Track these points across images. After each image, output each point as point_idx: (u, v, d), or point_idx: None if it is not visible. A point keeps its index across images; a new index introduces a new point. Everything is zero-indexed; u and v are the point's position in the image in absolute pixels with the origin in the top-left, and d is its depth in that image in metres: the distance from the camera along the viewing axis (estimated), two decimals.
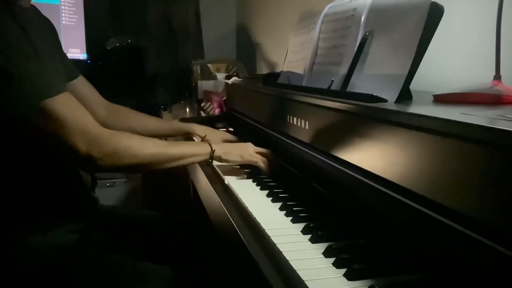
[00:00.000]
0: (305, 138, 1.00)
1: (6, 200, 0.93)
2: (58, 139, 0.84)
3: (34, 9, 1.04)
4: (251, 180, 1.04)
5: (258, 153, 1.09)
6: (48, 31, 1.07)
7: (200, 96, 2.40)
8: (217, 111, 2.09)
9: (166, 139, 1.39)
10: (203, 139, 1.21)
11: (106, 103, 1.31)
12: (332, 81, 1.01)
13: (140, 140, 0.95)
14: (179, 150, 0.99)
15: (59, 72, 1.01)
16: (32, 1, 1.00)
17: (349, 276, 0.58)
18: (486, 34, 0.81)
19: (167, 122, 1.61)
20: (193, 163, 1.05)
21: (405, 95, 0.80)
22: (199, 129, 1.37)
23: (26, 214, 0.94)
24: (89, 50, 2.51)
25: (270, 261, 0.63)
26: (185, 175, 1.81)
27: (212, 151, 1.03)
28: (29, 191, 0.94)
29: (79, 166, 0.94)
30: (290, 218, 0.79)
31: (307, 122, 0.99)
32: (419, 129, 0.61)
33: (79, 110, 0.88)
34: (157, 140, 1.00)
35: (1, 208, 0.92)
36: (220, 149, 1.05)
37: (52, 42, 1.07)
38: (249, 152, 1.08)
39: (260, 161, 1.07)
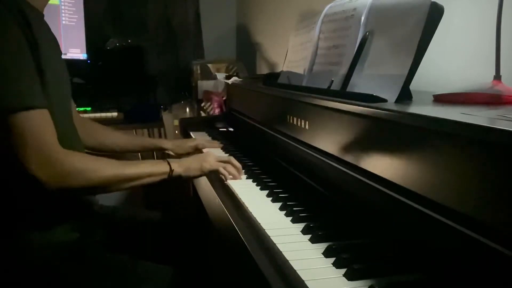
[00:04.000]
0: (305, 138, 1.00)
1: (8, 197, 0.93)
2: (12, 152, 0.82)
3: (46, 24, 1.03)
4: (251, 180, 1.04)
5: (219, 161, 1.07)
6: (56, 46, 1.06)
7: (200, 96, 2.40)
8: (217, 111, 2.09)
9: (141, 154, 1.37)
10: (163, 155, 1.18)
11: (81, 118, 1.29)
12: (332, 81, 1.01)
13: (94, 162, 0.92)
14: (136, 171, 0.97)
15: (61, 86, 1.00)
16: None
17: (349, 276, 0.58)
18: (486, 34, 0.81)
19: (138, 138, 1.61)
20: (151, 183, 1.01)
21: (405, 95, 0.80)
22: (168, 144, 1.36)
23: (28, 211, 0.94)
24: (89, 50, 2.50)
25: (270, 261, 0.63)
26: None
27: (171, 170, 1.01)
28: (30, 189, 0.94)
29: (26, 185, 0.89)
30: (290, 218, 0.79)
31: (307, 122, 0.99)
32: (419, 129, 0.61)
33: (46, 130, 0.86)
34: (113, 161, 0.96)
35: (3, 205, 0.92)
36: (179, 168, 1.03)
37: (59, 57, 1.07)
38: (209, 162, 1.06)
39: (221, 168, 1.05)
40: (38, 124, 0.85)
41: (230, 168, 1.06)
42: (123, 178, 0.94)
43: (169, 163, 1.02)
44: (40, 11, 0.99)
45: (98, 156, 0.96)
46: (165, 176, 1.01)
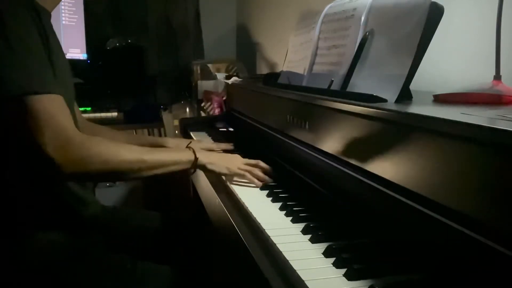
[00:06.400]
0: (305, 138, 1.00)
1: (8, 197, 0.93)
2: (28, 136, 0.81)
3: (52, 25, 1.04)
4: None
5: (246, 164, 1.04)
6: (60, 47, 1.07)
7: (200, 96, 2.40)
8: (217, 111, 2.09)
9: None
10: (187, 146, 1.15)
11: (83, 119, 1.28)
12: (332, 81, 1.01)
13: (114, 146, 0.90)
14: (157, 157, 0.93)
15: (67, 85, 1.00)
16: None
17: (349, 276, 0.58)
18: (486, 34, 0.81)
19: (140, 137, 1.59)
20: (174, 171, 0.97)
21: (405, 95, 0.80)
22: (173, 143, 1.32)
23: (28, 211, 0.94)
24: (89, 50, 2.51)
25: (270, 261, 0.63)
26: (185, 175, 1.81)
27: (196, 159, 0.98)
28: (30, 189, 0.94)
29: (41, 170, 0.86)
30: (290, 218, 0.79)
31: (307, 122, 0.99)
32: (419, 129, 0.62)
33: (62, 114, 0.85)
34: (135, 147, 0.93)
35: (4, 204, 0.92)
36: (206, 158, 1.00)
37: (64, 57, 1.07)
38: (237, 164, 1.03)
39: (249, 174, 1.01)
40: (54, 107, 0.84)
41: (257, 171, 1.02)
42: (146, 165, 0.91)
43: (194, 152, 0.99)
44: (49, 11, 0.99)
45: (119, 143, 0.94)
46: (189, 165, 0.98)
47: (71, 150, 0.83)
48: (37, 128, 0.81)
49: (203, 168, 1.01)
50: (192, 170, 1.01)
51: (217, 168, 1.02)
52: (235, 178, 1.03)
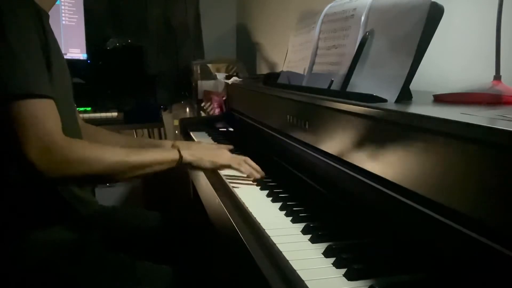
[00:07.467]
0: (305, 138, 1.00)
1: (8, 196, 0.93)
2: (14, 139, 0.81)
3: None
4: (251, 180, 1.04)
5: (233, 159, 1.05)
6: (59, 47, 1.07)
7: (200, 96, 2.40)
8: (217, 111, 2.09)
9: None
10: (172, 146, 1.15)
11: (82, 122, 1.27)
12: (332, 81, 1.01)
13: (98, 149, 0.90)
14: (141, 158, 0.93)
15: (66, 85, 1.00)
16: None
17: (349, 276, 0.58)
18: (486, 34, 0.81)
19: (138, 139, 1.58)
20: (159, 171, 0.97)
21: (405, 95, 0.80)
22: (171, 145, 1.31)
23: (27, 210, 0.94)
24: (89, 50, 2.50)
25: (270, 261, 0.63)
26: (185, 175, 1.81)
27: (180, 157, 0.98)
28: (29, 188, 0.94)
29: (24, 172, 0.86)
30: (290, 218, 0.79)
31: (307, 122, 0.99)
32: (419, 129, 0.62)
33: (50, 119, 0.84)
34: (118, 149, 0.93)
35: (2, 203, 0.92)
36: (191, 156, 1.00)
37: (63, 58, 1.07)
38: (223, 157, 1.04)
39: (234, 164, 1.03)
40: (41, 111, 0.83)
41: (244, 165, 1.03)
42: (129, 166, 0.91)
43: (178, 151, 0.99)
44: (47, 12, 0.99)
45: (102, 144, 0.94)
46: (174, 164, 0.98)
47: (54, 155, 0.82)
48: (22, 132, 0.80)
49: (190, 166, 1.01)
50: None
51: (202, 164, 1.02)
52: (224, 171, 1.04)
